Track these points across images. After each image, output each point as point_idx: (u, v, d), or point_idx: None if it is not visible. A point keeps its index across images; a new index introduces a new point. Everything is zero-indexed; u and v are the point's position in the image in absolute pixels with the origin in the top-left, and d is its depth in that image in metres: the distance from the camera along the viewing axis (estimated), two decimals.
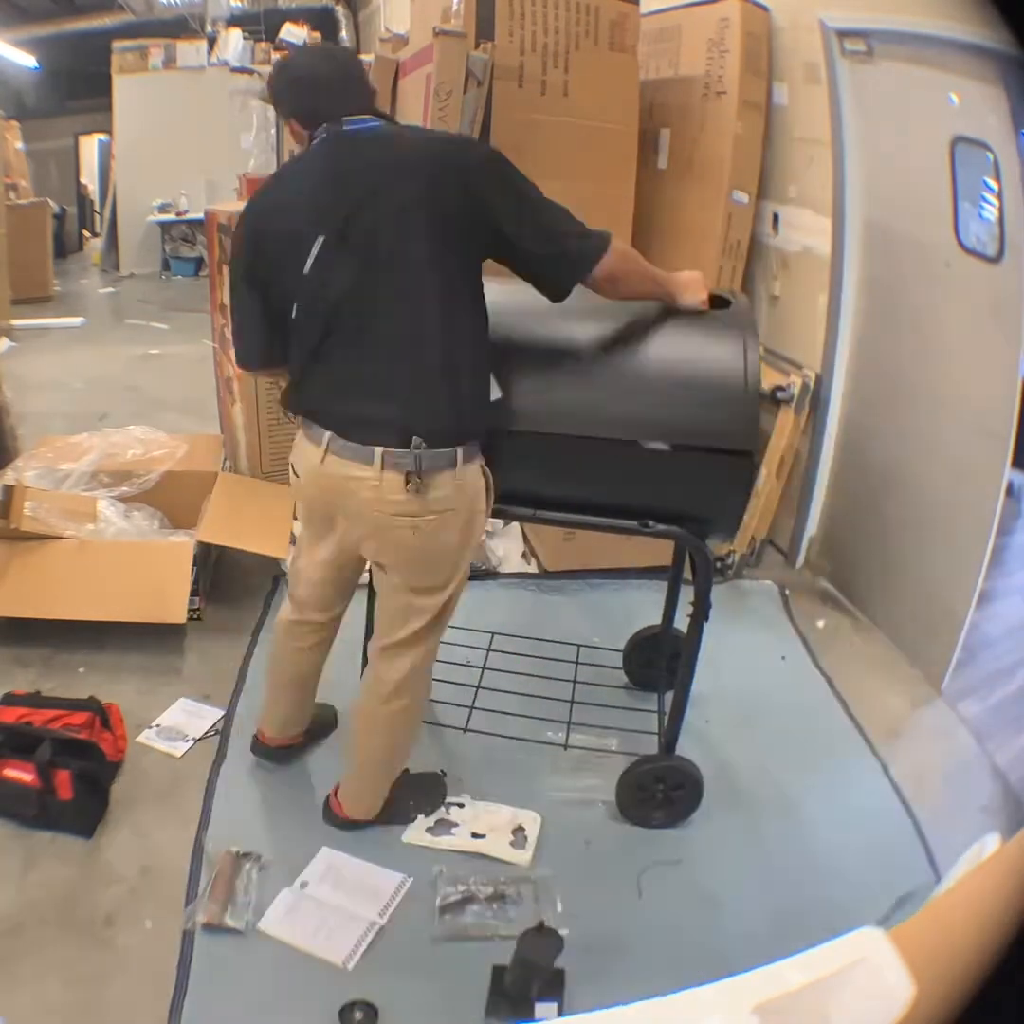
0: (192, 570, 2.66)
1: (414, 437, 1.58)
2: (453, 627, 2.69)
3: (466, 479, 1.66)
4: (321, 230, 1.58)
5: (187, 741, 2.27)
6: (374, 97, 1.72)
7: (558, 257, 1.62)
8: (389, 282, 1.57)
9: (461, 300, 1.61)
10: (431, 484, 1.61)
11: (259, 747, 2.17)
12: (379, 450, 1.59)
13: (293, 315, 1.65)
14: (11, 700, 2.23)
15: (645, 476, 1.83)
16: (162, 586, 2.63)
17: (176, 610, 2.59)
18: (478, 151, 1.73)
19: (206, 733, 2.31)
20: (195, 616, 2.74)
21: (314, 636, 2.03)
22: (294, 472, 1.80)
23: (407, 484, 1.59)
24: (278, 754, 2.17)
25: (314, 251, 1.58)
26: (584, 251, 1.62)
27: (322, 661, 2.09)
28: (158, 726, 2.31)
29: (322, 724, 2.25)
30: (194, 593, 2.72)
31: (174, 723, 2.33)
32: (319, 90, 1.65)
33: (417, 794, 2.06)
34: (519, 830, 2.03)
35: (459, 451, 1.62)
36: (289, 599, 2.02)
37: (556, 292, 1.66)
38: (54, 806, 1.95)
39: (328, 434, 1.65)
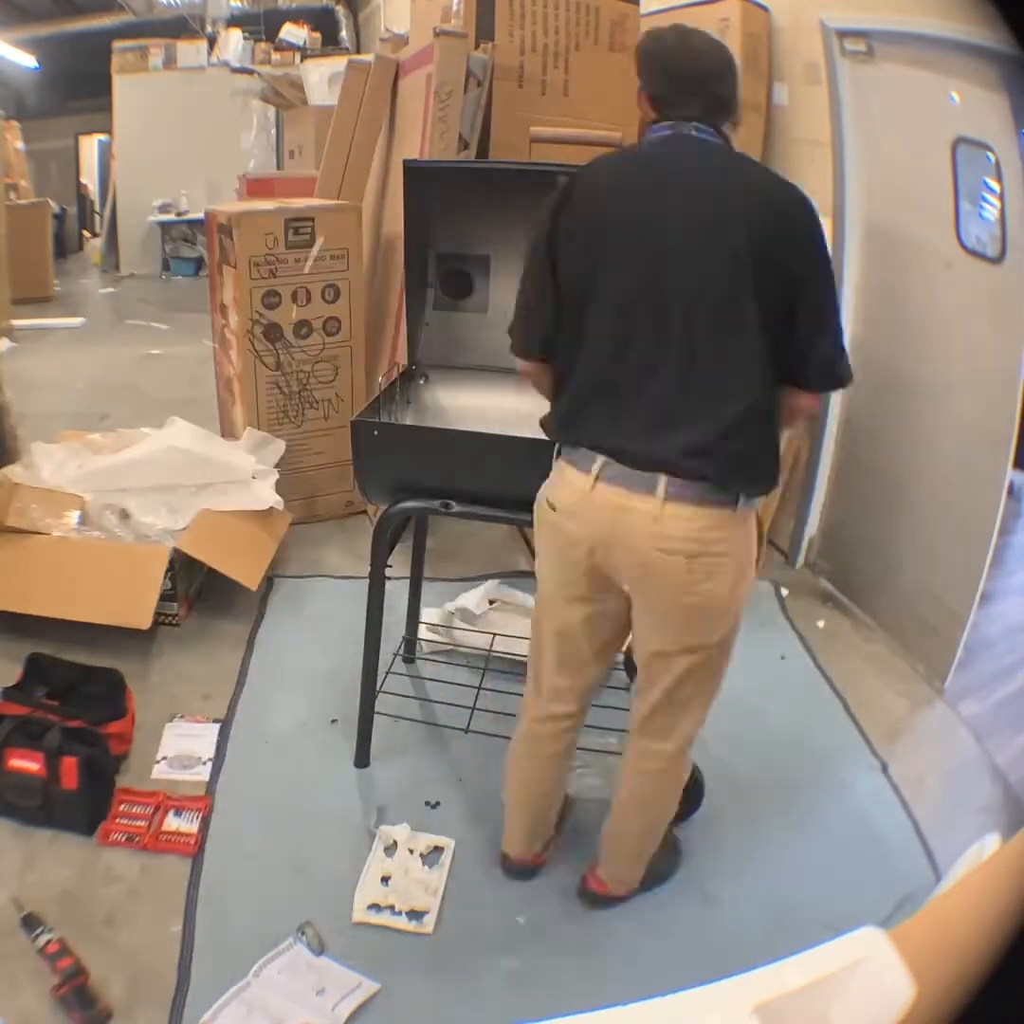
0: (166, 576, 2.61)
1: (731, 478, 1.45)
2: (454, 628, 2.71)
3: (746, 525, 1.51)
4: (658, 237, 1.42)
5: (205, 763, 2.21)
6: (732, 111, 1.57)
7: (812, 357, 1.47)
8: (721, 314, 1.41)
9: (773, 345, 1.44)
10: (711, 524, 1.45)
11: (509, 865, 1.93)
12: (663, 479, 1.43)
13: (586, 317, 1.47)
14: (36, 659, 2.30)
15: None
16: (132, 590, 2.57)
17: (142, 615, 2.51)
18: (812, 212, 1.47)
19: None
20: (172, 622, 2.70)
21: (567, 736, 1.78)
22: (550, 506, 1.57)
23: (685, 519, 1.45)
24: (529, 872, 1.93)
25: (642, 257, 1.42)
26: (843, 370, 1.50)
27: (569, 764, 1.84)
28: (165, 758, 2.22)
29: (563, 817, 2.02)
30: (173, 599, 2.68)
31: (178, 751, 2.24)
32: (692, 85, 1.55)
33: (669, 856, 1.93)
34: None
35: (742, 495, 1.48)
36: (534, 694, 1.76)
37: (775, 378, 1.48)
38: (58, 797, 1.95)
39: (601, 459, 1.47)
